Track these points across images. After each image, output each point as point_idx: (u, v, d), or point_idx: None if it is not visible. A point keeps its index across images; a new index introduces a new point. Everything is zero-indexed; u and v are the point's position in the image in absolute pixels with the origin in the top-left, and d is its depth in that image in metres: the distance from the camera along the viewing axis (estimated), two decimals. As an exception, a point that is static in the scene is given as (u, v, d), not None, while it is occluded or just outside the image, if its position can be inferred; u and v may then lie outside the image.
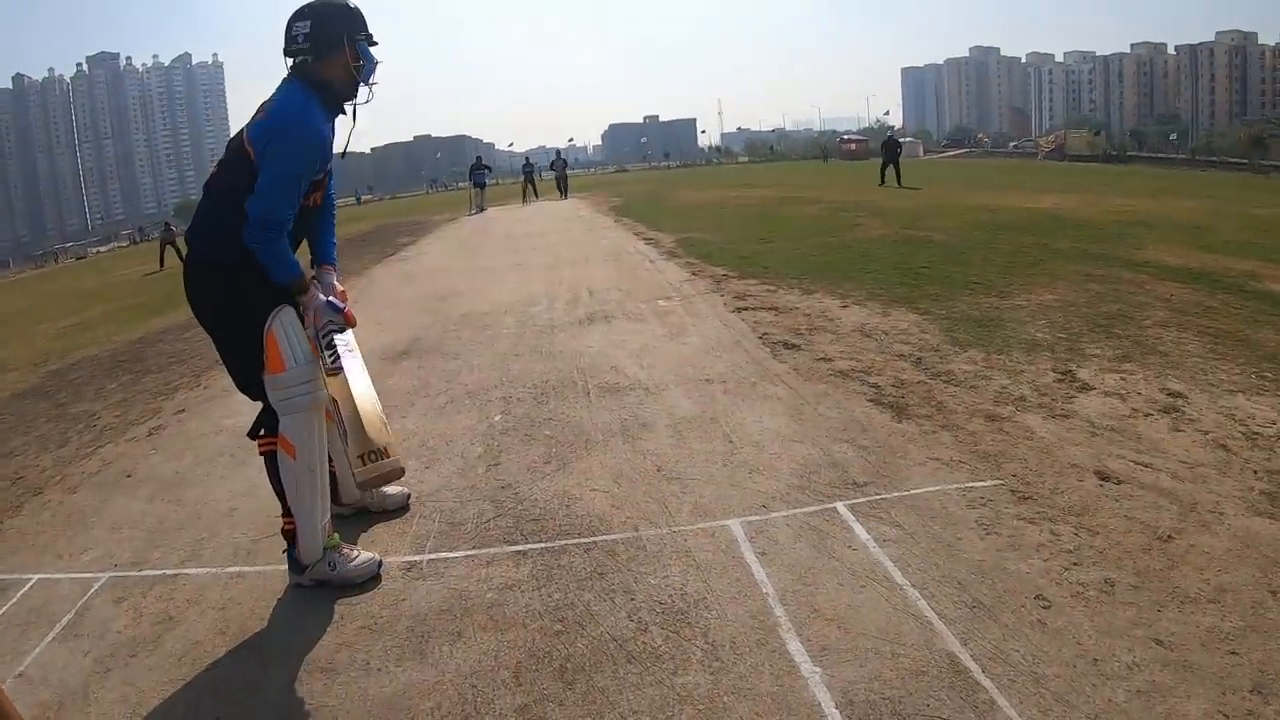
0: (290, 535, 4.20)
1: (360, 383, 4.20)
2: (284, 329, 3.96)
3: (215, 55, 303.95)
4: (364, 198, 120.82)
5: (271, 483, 4.26)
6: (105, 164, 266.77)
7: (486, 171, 39.23)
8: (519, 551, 4.27)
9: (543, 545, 4.29)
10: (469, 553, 4.33)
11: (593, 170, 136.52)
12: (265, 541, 4.92)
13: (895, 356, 7.03)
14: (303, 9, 4.10)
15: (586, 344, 8.43)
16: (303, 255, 4.23)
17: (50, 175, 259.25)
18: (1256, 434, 5.11)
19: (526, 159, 47.23)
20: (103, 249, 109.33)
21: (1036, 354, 6.88)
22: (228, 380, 8.33)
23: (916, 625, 3.38)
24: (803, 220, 19.14)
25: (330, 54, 4.06)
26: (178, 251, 32.62)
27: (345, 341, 4.38)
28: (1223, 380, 6.13)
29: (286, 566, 4.30)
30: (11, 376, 12.66)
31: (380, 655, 3.56)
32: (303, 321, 4.06)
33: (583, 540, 4.27)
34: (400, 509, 4.93)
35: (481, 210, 34.84)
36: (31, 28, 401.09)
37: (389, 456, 4.13)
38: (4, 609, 4.76)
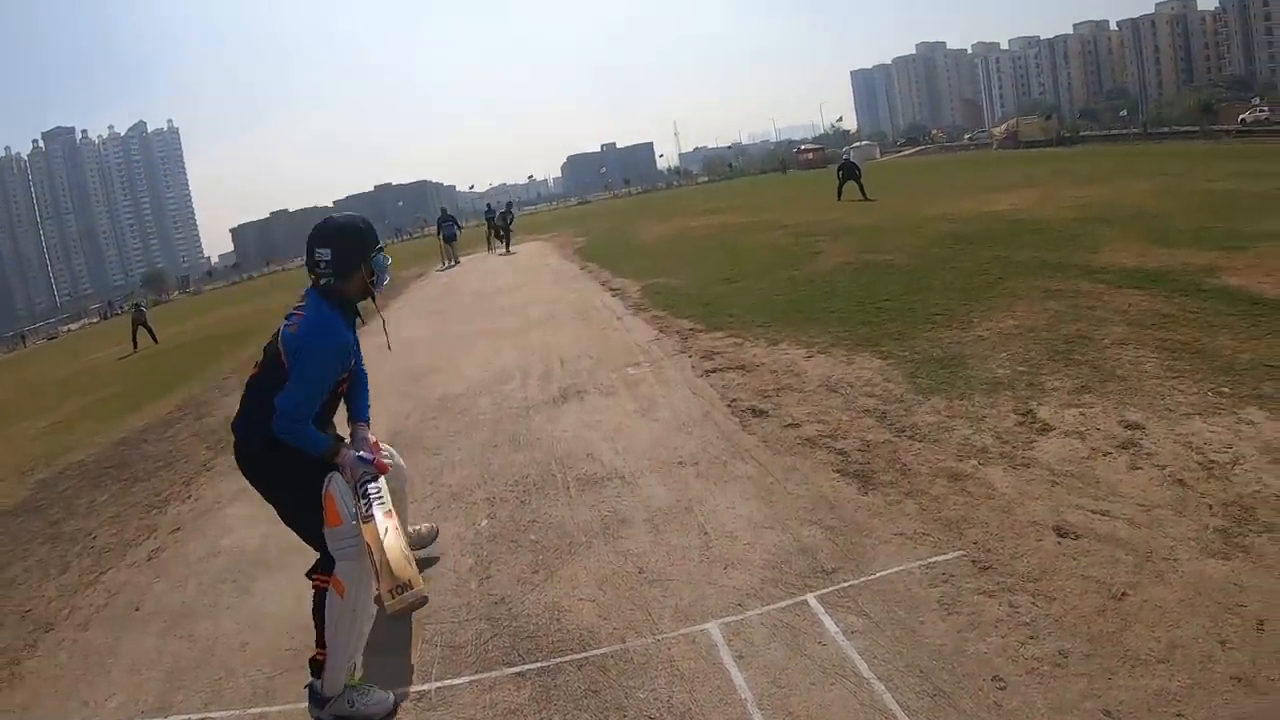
0: (318, 666, 4.52)
1: (388, 525, 4.44)
2: (338, 490, 4.56)
3: (170, 121, 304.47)
4: None
5: (314, 615, 4.60)
6: (69, 239, 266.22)
7: (454, 224, 37.96)
8: (518, 674, 4.42)
9: (539, 665, 4.45)
10: (472, 678, 4.49)
11: (554, 205, 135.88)
12: (281, 678, 5.03)
13: (860, 413, 7.21)
14: (325, 235, 4.70)
15: (562, 428, 8.52)
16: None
17: (14, 256, 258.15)
18: (1212, 463, 5.37)
19: (488, 205, 47.04)
20: (73, 326, 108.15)
21: (998, 394, 7.11)
22: (216, 491, 8.75)
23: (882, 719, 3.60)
24: (764, 250, 19.38)
25: (349, 274, 4.67)
26: (150, 332, 32.85)
27: (378, 488, 4.68)
28: (1180, 403, 6.40)
29: (306, 703, 4.56)
30: (0, 489, 12.75)
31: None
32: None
33: (575, 657, 4.43)
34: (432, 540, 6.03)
35: (454, 264, 34.07)
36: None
37: (413, 588, 4.36)
38: None
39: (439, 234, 36.76)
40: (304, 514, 4.64)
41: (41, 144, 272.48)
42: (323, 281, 4.64)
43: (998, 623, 4.10)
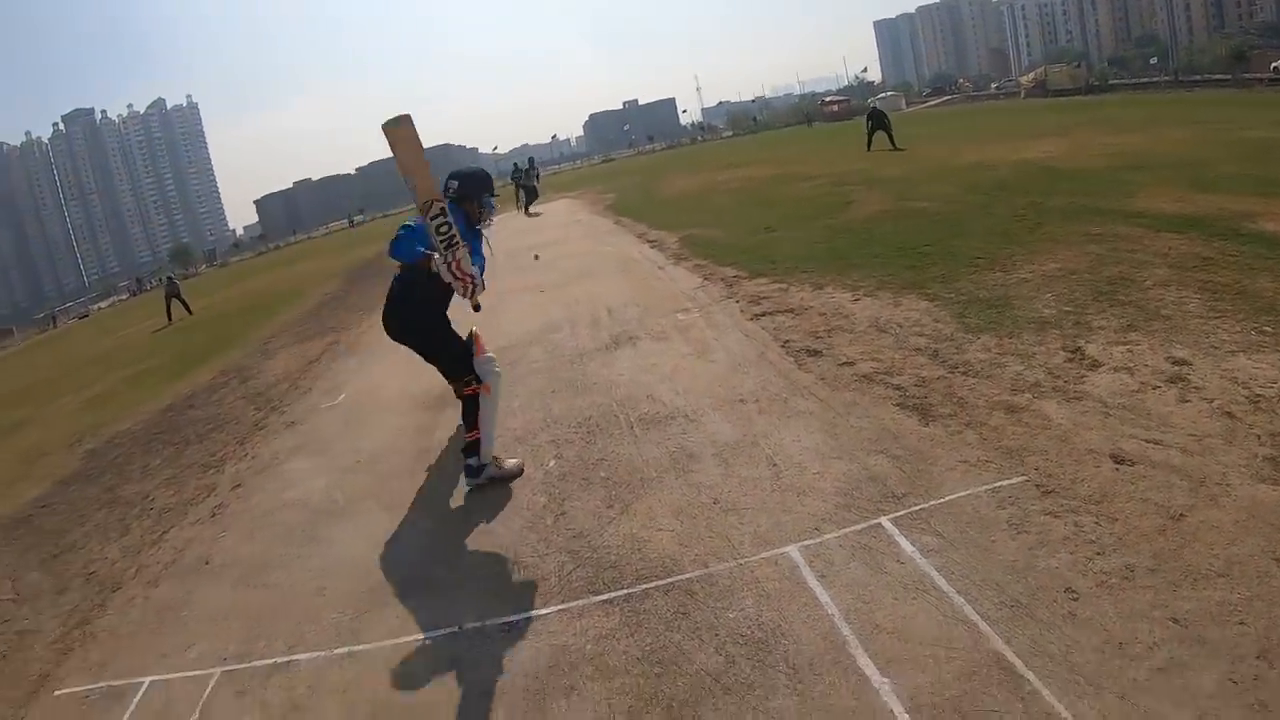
0: (473, 446, 6.59)
1: None
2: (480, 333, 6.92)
3: (189, 97, 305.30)
4: (356, 219, 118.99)
5: (465, 415, 6.72)
6: (94, 219, 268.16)
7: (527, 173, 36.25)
8: (605, 601, 4.59)
9: (625, 591, 4.61)
10: (560, 607, 4.65)
11: (577, 163, 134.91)
12: (365, 618, 5.16)
13: (912, 351, 7.31)
14: (457, 174, 6.91)
15: (618, 372, 8.64)
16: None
17: (41, 238, 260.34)
18: (1259, 397, 5.44)
19: (514, 164, 46.79)
20: (104, 304, 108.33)
21: (1046, 333, 7.17)
22: (272, 449, 9.08)
23: (965, 629, 3.77)
24: (798, 201, 19.20)
25: (464, 202, 6.77)
26: (184, 304, 32.95)
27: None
28: (1224, 341, 6.44)
29: (463, 481, 6.69)
30: (51, 461, 12.85)
31: (506, 718, 3.93)
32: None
33: (660, 583, 4.60)
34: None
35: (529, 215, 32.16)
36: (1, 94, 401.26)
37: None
38: (126, 716, 5.08)
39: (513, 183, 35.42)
40: (455, 347, 6.75)
41: (62, 126, 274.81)
42: (452, 195, 6.65)
43: (1065, 540, 4.24)
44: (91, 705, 5.42)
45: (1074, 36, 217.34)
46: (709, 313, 10.18)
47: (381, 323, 7.07)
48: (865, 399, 6.45)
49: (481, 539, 5.76)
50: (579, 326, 10.94)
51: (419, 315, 6.76)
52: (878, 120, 33.44)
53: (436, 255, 6.31)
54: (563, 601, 4.71)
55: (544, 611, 4.67)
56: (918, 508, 4.78)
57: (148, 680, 5.36)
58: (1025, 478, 4.88)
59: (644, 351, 9.16)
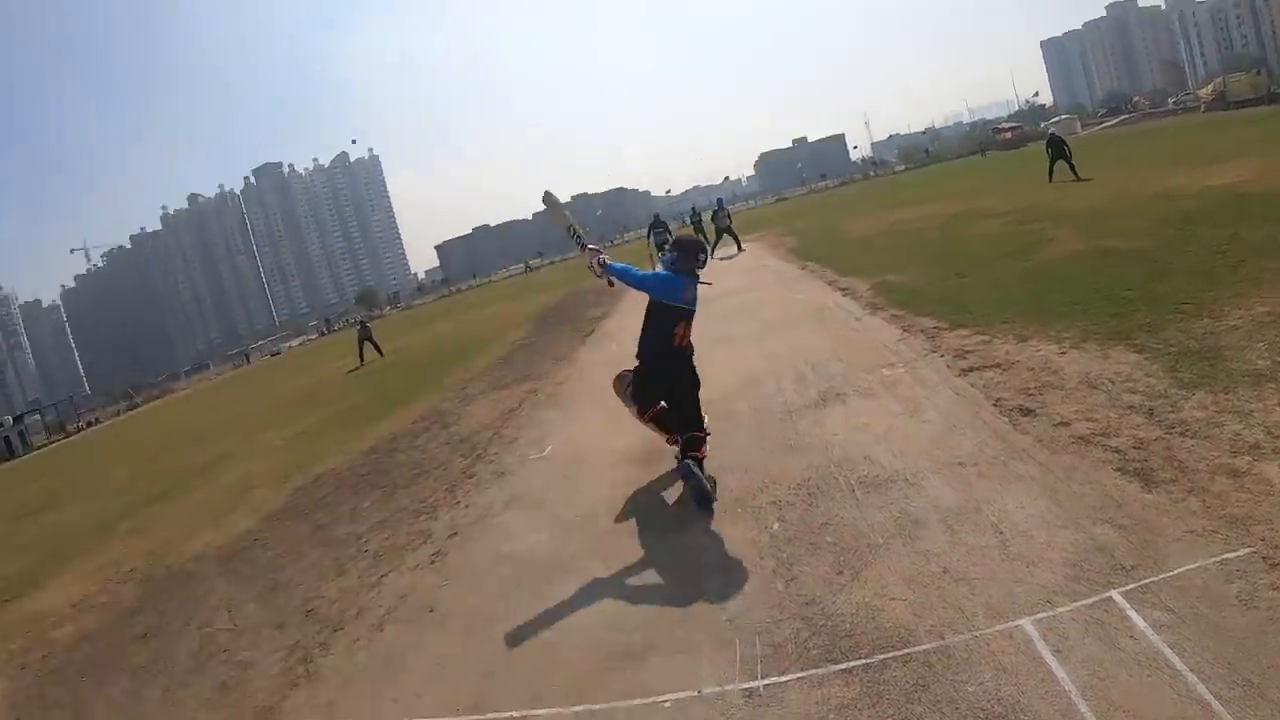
0: (699, 444, 7.99)
1: None
2: None
3: (370, 150, 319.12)
4: (532, 264, 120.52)
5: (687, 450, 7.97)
6: (284, 264, 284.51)
7: (666, 229, 34.23)
8: (844, 670, 4.68)
9: (863, 662, 4.70)
10: (799, 675, 4.76)
11: (750, 203, 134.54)
12: (600, 678, 5.34)
13: (1126, 410, 7.20)
14: (676, 241, 8.87)
15: (831, 431, 8.57)
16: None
17: (234, 281, 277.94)
18: None
19: (693, 207, 46.64)
20: (294, 343, 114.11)
21: (1262, 387, 6.97)
22: (486, 499, 9.60)
23: (1200, 710, 3.82)
24: (986, 241, 18.95)
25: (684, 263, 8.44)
26: (375, 346, 33.97)
27: None
28: None
29: (687, 474, 7.66)
30: (260, 495, 13.59)
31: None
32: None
33: (897, 654, 4.69)
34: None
35: None
36: (196, 152, 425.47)
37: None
38: None
39: (649, 239, 34.64)
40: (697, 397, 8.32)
41: (253, 180, 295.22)
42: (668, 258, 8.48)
43: (1300, 614, 4.22)
44: None
45: (1249, 40, 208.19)
46: (914, 368, 10.11)
47: (652, 360, 8.42)
48: (1085, 463, 6.42)
49: (712, 601, 5.85)
50: (783, 381, 10.92)
51: (687, 362, 8.53)
52: (1057, 148, 32.44)
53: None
54: (802, 669, 4.81)
55: (783, 679, 4.77)
56: (1147, 581, 4.78)
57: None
58: (1252, 549, 4.83)
59: (854, 410, 9.12)
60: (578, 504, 8.60)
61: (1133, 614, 4.54)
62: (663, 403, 8.46)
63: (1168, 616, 4.45)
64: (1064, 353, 9.19)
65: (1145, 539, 5.21)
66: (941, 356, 10.27)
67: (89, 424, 76.78)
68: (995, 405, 8.13)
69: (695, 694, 4.90)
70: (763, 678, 4.86)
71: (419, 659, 6.36)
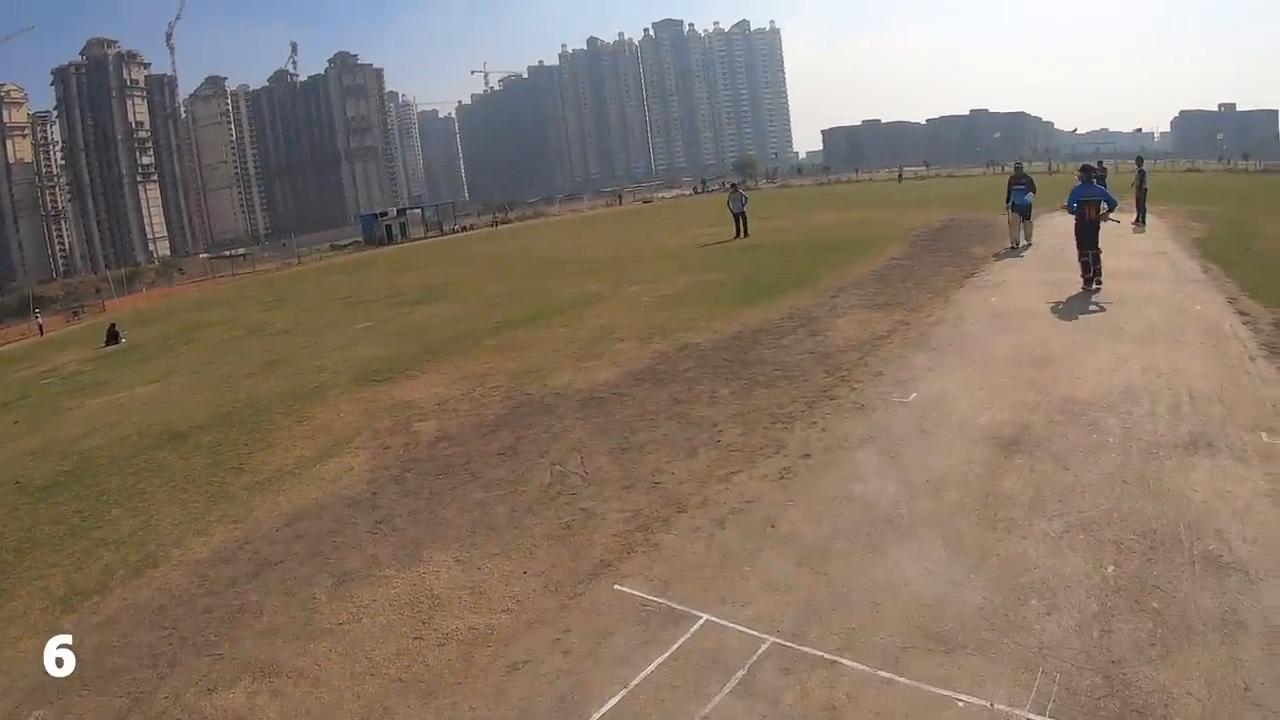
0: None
1: None
2: None
3: (772, 22, 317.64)
4: (904, 173, 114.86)
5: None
6: (670, 119, 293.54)
7: (1029, 186, 25.67)
8: None
9: None
10: None
11: (1160, 163, 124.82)
12: (911, 653, 5.59)
13: None
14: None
15: (1192, 485, 7.84)
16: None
17: (620, 125, 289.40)
18: None
19: (1100, 163, 39.95)
20: (667, 194, 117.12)
21: None
22: (844, 428, 10.13)
23: None
24: None
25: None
26: (743, 228, 34.31)
27: None
28: None
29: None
30: (623, 349, 14.52)
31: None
32: None
33: None
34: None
35: (1026, 244, 25.01)
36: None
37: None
38: (681, 641, 5.92)
39: (1008, 201, 25.79)
40: None
41: (652, 32, 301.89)
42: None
43: None
44: (650, 615, 6.40)
45: None
46: None
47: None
48: None
49: (1029, 622, 5.90)
50: (1158, 405, 10.08)
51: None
52: None
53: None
54: None
55: None
56: None
57: (705, 618, 6.20)
58: None
59: (1222, 469, 8.22)
60: (930, 467, 8.66)
61: None
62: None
63: None
64: None
65: None
66: (1329, 443, 8.93)
67: (464, 229, 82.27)
68: (1377, 526, 7.11)
69: (987, 705, 5.09)
70: (1050, 716, 4.97)
71: (753, 570, 6.82)
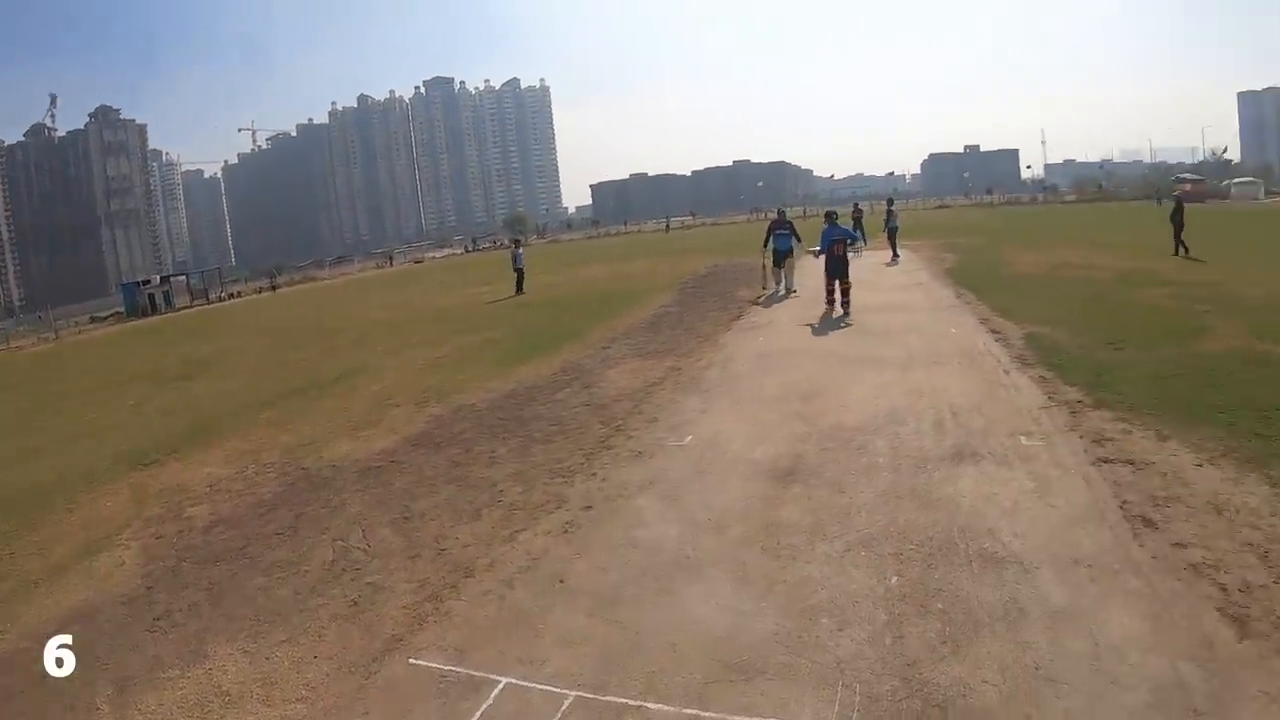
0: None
1: None
2: None
3: (542, 80, 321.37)
4: (671, 223, 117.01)
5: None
6: (440, 177, 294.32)
7: (791, 232, 26.65)
8: None
9: None
10: None
11: (908, 201, 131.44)
12: (713, 688, 5.80)
13: (1244, 546, 7.17)
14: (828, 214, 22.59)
15: (961, 492, 8.77)
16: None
17: (390, 185, 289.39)
18: None
19: (856, 204, 45.43)
20: (438, 254, 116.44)
21: None
22: (623, 476, 10.33)
23: None
24: (1148, 312, 18.45)
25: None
26: (520, 280, 34.50)
27: None
28: None
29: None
30: (399, 414, 14.40)
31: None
32: None
33: None
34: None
35: (784, 292, 25.83)
36: (372, 54, 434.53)
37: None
38: (483, 709, 5.92)
39: (766, 245, 26.82)
40: None
41: (423, 90, 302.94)
42: None
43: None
44: (449, 686, 6.35)
45: None
46: (1052, 443, 10.18)
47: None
48: (1191, 594, 6.53)
49: (823, 640, 6.26)
50: (923, 424, 11.18)
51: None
52: (1178, 215, 30.96)
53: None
54: None
55: None
56: (1214, 732, 5.00)
57: (504, 681, 6.21)
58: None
59: (987, 475, 9.28)
60: (710, 506, 9.06)
61: (1195, 760, 4.78)
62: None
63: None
64: (1199, 465, 9.09)
65: (1223, 688, 5.40)
66: (1080, 438, 10.28)
67: (231, 295, 79.74)
68: (1122, 508, 8.18)
69: (792, 727, 5.33)
70: None
71: (545, 627, 6.89)
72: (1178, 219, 31.13)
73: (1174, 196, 37.88)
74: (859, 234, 36.75)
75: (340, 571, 8.74)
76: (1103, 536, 7.66)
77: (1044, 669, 5.71)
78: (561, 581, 7.72)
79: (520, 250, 37.62)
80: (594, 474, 10.47)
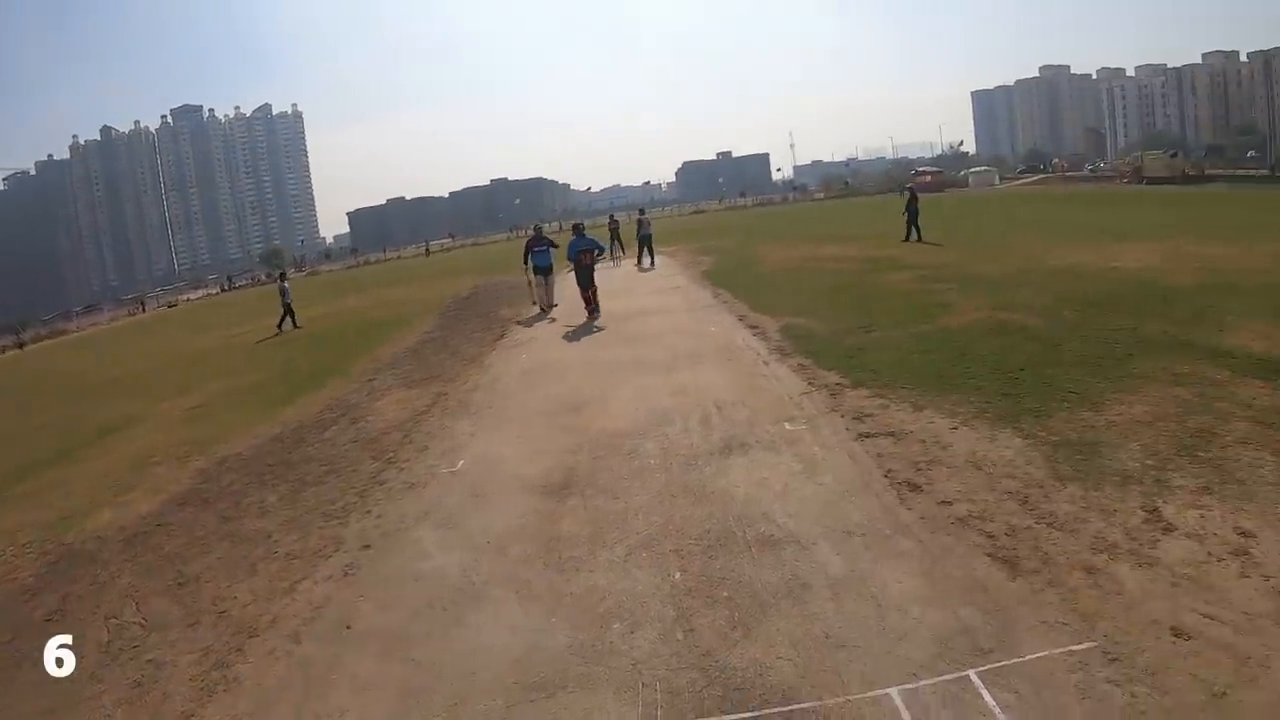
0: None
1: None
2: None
3: (294, 106, 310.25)
4: (432, 246, 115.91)
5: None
6: (191, 211, 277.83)
7: (549, 249, 25.51)
8: None
9: (750, 715, 5.23)
10: None
11: (665, 209, 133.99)
12: (516, 708, 5.72)
13: (1004, 495, 7.82)
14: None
15: (733, 483, 8.99)
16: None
17: (138, 223, 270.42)
18: None
19: (611, 215, 46.22)
20: (193, 295, 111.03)
21: (1128, 488, 7.65)
22: (399, 510, 9.94)
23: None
24: (895, 296, 19.57)
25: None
26: (288, 313, 33.00)
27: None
28: None
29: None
30: (161, 473, 13.32)
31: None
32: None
33: (780, 710, 5.22)
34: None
35: (547, 310, 24.72)
36: (115, 82, 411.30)
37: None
38: None
39: (526, 262, 25.66)
40: None
41: (170, 120, 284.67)
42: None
43: (1121, 710, 4.89)
44: None
45: (1171, 119, 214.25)
46: (815, 425, 10.62)
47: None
48: (960, 545, 7.00)
49: (618, 644, 6.28)
50: (690, 422, 11.34)
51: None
52: (912, 204, 33.17)
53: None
54: (698, 716, 5.32)
55: None
56: (1001, 664, 5.38)
57: None
58: (1095, 644, 5.47)
59: (756, 463, 9.57)
60: (490, 529, 8.87)
61: (985, 693, 5.14)
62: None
63: (1014, 699, 5.07)
64: (955, 429, 9.81)
65: (1004, 625, 5.83)
66: (842, 417, 10.78)
67: (-32, 359, 74.33)
68: (886, 476, 8.66)
69: (604, 735, 5.36)
70: None
71: (338, 677, 6.55)
72: (912, 208, 33.19)
73: (907, 188, 40.06)
74: (612, 244, 38.07)
75: (118, 651, 8.02)
76: (871, 505, 8.07)
77: (833, 636, 5.96)
78: (348, 627, 7.35)
79: (286, 284, 35.79)
80: (369, 511, 10.04)
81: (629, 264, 35.43)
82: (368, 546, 8.97)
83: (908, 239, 31.97)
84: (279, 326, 32.67)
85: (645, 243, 35.44)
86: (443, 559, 8.34)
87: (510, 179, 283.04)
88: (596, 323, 21.13)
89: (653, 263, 34.70)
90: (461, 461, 11.27)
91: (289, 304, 33.19)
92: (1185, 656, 5.28)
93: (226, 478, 12.47)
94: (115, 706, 6.95)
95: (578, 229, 24.21)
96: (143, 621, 8.39)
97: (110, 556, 10.26)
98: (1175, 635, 5.49)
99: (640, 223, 36.65)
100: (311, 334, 30.23)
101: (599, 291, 22.59)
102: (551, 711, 5.66)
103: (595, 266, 22.92)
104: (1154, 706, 4.88)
